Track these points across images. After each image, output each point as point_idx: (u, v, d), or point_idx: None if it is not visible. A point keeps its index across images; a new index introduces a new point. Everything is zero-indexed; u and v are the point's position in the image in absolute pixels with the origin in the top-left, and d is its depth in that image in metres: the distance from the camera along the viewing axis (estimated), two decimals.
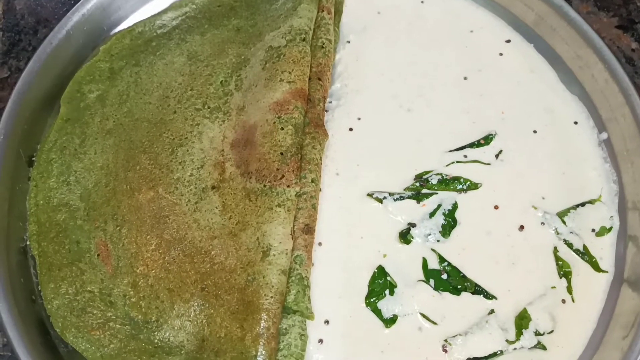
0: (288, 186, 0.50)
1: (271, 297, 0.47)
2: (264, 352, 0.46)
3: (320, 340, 0.50)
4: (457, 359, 0.49)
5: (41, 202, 0.53)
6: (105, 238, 0.51)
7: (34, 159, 0.55)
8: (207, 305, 0.48)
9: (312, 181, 0.52)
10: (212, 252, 0.49)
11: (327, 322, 0.50)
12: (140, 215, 0.51)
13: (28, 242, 0.53)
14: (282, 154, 0.51)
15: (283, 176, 0.50)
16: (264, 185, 0.50)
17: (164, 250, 0.50)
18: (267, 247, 0.48)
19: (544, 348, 0.49)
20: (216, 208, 0.51)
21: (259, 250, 0.48)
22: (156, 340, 0.48)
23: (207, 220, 0.51)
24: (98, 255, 0.51)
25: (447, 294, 0.51)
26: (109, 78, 0.59)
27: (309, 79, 0.55)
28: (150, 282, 0.49)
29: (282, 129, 0.52)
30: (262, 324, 0.46)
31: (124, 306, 0.49)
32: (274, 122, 0.52)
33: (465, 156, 0.56)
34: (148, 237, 0.51)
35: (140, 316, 0.49)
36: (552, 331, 0.50)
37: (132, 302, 0.49)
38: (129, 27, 0.61)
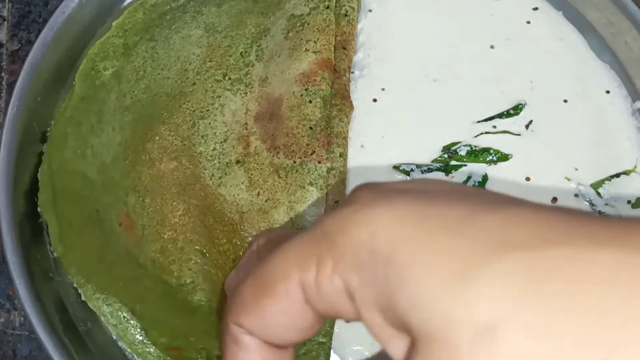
0: (319, 162, 0.48)
1: None
2: None
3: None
4: None
5: (55, 168, 0.49)
6: (127, 210, 0.49)
7: (47, 134, 0.53)
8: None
9: (340, 155, 0.50)
10: (243, 225, 0.48)
11: None
12: (163, 183, 0.49)
13: (43, 215, 0.50)
14: (311, 128, 0.49)
15: (314, 152, 0.48)
16: (294, 162, 0.48)
17: (193, 214, 0.48)
18: (302, 229, 0.47)
19: None
20: (242, 183, 0.49)
21: None
22: (194, 301, 0.46)
23: (233, 196, 0.49)
24: (120, 224, 0.48)
25: None
26: (123, 54, 0.56)
27: (334, 48, 0.53)
28: (180, 245, 0.47)
29: (310, 101, 0.50)
30: None
31: (154, 270, 0.47)
32: (301, 95, 0.50)
33: (495, 127, 0.54)
34: (175, 203, 0.48)
35: (173, 279, 0.47)
36: None
37: (163, 266, 0.47)
38: (140, 0, 0.59)
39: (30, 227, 0.50)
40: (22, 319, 0.52)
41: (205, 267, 0.46)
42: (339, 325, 0.48)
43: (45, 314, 0.46)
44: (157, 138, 0.51)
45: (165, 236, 0.47)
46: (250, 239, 0.47)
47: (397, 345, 0.24)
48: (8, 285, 0.53)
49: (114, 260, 0.46)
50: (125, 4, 0.59)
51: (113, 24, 0.57)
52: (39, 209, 0.50)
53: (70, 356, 0.45)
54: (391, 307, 0.23)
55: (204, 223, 0.47)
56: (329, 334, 0.47)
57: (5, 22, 0.60)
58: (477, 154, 0.53)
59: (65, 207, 0.49)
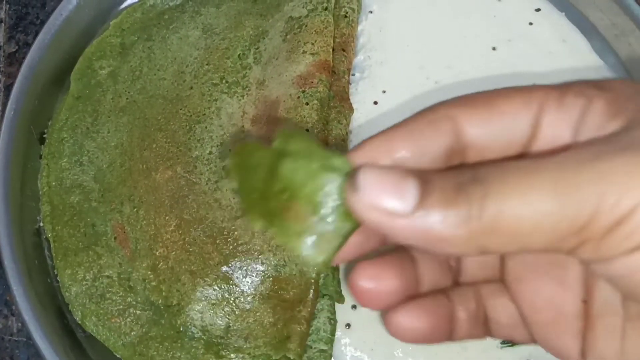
0: None
1: (304, 283, 0.45)
2: (297, 335, 0.44)
3: (348, 325, 0.48)
4: (493, 341, 0.47)
5: (53, 183, 0.51)
6: (122, 220, 0.49)
7: (45, 136, 0.53)
8: (232, 288, 0.46)
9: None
10: (236, 233, 0.47)
11: (354, 307, 0.48)
12: (158, 195, 0.49)
13: (42, 224, 0.51)
14: (308, 130, 0.48)
15: None
16: None
17: (184, 231, 0.48)
18: None
19: None
20: None
21: None
22: (178, 325, 0.46)
23: (228, 200, 0.48)
24: (115, 238, 0.49)
25: None
26: (120, 54, 0.56)
27: (333, 50, 0.52)
28: (170, 264, 0.47)
29: (307, 104, 0.49)
30: (295, 309, 0.45)
31: (144, 290, 0.47)
32: (298, 97, 0.49)
33: None
34: (167, 217, 0.48)
35: (161, 300, 0.47)
36: None
37: (153, 285, 0.47)
38: (140, 0, 0.59)
39: (28, 232, 0.50)
40: (20, 325, 0.52)
41: (193, 285, 0.47)
42: (338, 332, 0.47)
43: (44, 320, 0.46)
44: (154, 146, 0.51)
45: (157, 253, 0.47)
46: (243, 245, 0.47)
47: None
48: (5, 291, 0.53)
49: (105, 291, 0.48)
50: (123, 6, 0.59)
51: (111, 23, 0.57)
52: (41, 224, 0.51)
53: None
54: None
55: (195, 240, 0.47)
56: (330, 341, 0.46)
57: (3, 24, 0.60)
58: None
59: (63, 229, 0.50)
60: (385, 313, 0.29)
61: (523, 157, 0.27)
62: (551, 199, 0.22)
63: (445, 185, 0.23)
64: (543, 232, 0.22)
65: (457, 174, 0.23)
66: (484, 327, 0.32)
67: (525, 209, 0.22)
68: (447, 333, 0.31)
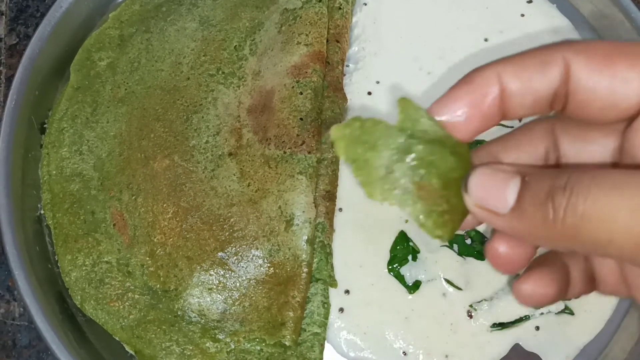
0: (309, 152, 0.49)
1: (298, 268, 0.46)
2: (291, 321, 0.45)
3: (341, 309, 0.49)
4: (483, 324, 0.48)
5: (54, 172, 0.52)
6: (120, 208, 0.50)
7: (45, 126, 0.54)
8: (228, 274, 0.47)
9: (332, 146, 0.51)
10: (231, 220, 0.48)
11: (347, 291, 0.49)
12: (155, 183, 0.50)
13: (42, 211, 0.52)
14: (301, 119, 0.49)
15: (304, 142, 0.49)
16: (284, 152, 0.49)
17: (181, 218, 0.49)
18: (291, 217, 0.47)
19: (572, 313, 0.49)
20: (234, 175, 0.50)
21: (282, 220, 0.47)
22: (176, 309, 0.47)
23: (224, 188, 0.49)
24: (114, 225, 0.50)
25: (471, 259, 0.50)
26: (119, 45, 0.57)
27: (327, 41, 0.53)
28: (168, 250, 0.49)
29: (301, 93, 0.50)
30: (289, 293, 0.46)
31: (142, 276, 0.48)
32: (292, 87, 0.50)
33: None
34: (165, 205, 0.50)
35: (159, 285, 0.48)
36: None
37: (150, 271, 0.48)
38: None
39: (29, 219, 0.51)
40: (21, 309, 0.53)
41: (190, 271, 0.48)
42: (331, 316, 0.48)
43: (45, 304, 0.47)
44: (152, 135, 0.52)
45: (155, 239, 0.49)
46: (238, 232, 0.48)
47: None
48: (7, 276, 0.54)
49: (104, 276, 0.49)
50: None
51: (110, 15, 0.58)
52: (41, 212, 0.52)
53: (69, 346, 0.46)
54: None
55: (192, 227, 0.48)
56: (324, 325, 0.47)
57: (3, 16, 0.61)
58: (471, 147, 0.53)
59: (63, 216, 0.51)
60: (515, 282, 0.32)
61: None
62: (630, 218, 0.23)
63: (539, 190, 0.26)
64: (619, 246, 0.24)
65: (552, 177, 0.26)
66: (591, 285, 0.33)
67: (603, 226, 0.24)
68: (565, 294, 0.33)
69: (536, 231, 0.26)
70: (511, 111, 0.28)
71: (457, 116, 0.28)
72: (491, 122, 0.29)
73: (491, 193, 0.27)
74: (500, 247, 0.31)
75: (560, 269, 0.32)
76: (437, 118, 0.28)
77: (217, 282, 0.47)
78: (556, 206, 0.25)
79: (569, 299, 0.34)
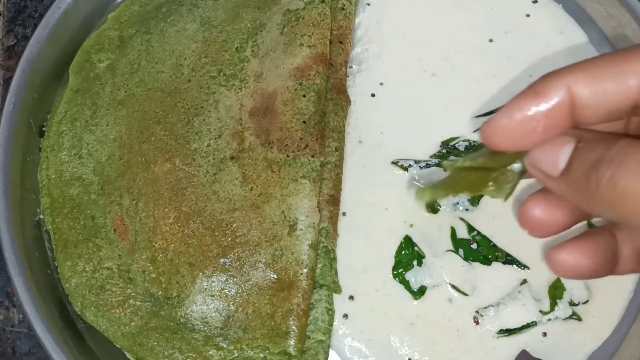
0: (312, 156, 0.48)
1: (301, 273, 0.45)
2: (295, 328, 0.44)
3: (345, 315, 0.48)
4: (489, 330, 0.48)
5: (53, 176, 0.51)
6: (121, 212, 0.49)
7: (44, 129, 0.53)
8: (231, 280, 0.47)
9: (336, 150, 0.50)
10: (234, 225, 0.47)
11: (351, 297, 0.48)
12: (157, 188, 0.49)
13: (41, 216, 0.51)
14: (304, 122, 0.49)
15: (307, 145, 0.48)
16: (287, 156, 0.48)
17: (183, 223, 0.48)
18: (294, 221, 0.46)
19: (579, 319, 0.48)
20: (236, 179, 0.49)
21: (285, 225, 0.47)
22: (178, 317, 0.47)
23: (227, 192, 0.49)
24: (114, 230, 0.49)
25: (477, 264, 0.49)
26: (118, 47, 0.56)
27: (330, 42, 0.53)
28: (169, 256, 0.48)
29: (304, 95, 0.49)
30: (292, 300, 0.45)
31: (143, 282, 0.48)
32: (295, 89, 0.50)
33: None
34: (166, 210, 0.49)
35: (160, 292, 0.47)
36: (587, 301, 0.48)
37: (152, 277, 0.48)
38: None
39: (29, 224, 0.50)
40: (21, 316, 0.52)
41: (192, 277, 0.47)
42: (336, 322, 0.48)
43: (44, 311, 0.46)
44: (152, 139, 0.51)
45: (156, 245, 0.48)
46: (241, 237, 0.47)
47: None
48: (7, 282, 0.53)
49: (104, 283, 0.48)
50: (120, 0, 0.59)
51: (109, 16, 0.57)
52: (41, 216, 0.51)
53: (70, 353, 0.46)
54: None
55: (194, 232, 0.48)
56: (328, 332, 0.47)
57: (1, 17, 0.60)
58: (476, 149, 0.52)
59: (63, 221, 0.50)
60: (549, 250, 0.32)
61: None
62: None
63: (587, 159, 0.27)
64: None
65: (603, 147, 0.27)
66: None
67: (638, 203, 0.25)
68: (610, 269, 0.32)
69: (580, 197, 0.27)
70: (584, 121, 0.29)
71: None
72: (560, 132, 0.29)
73: (545, 155, 0.29)
74: (535, 210, 0.32)
75: (604, 244, 0.32)
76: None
77: (220, 288, 0.47)
78: (599, 177, 0.26)
79: (619, 274, 0.34)
